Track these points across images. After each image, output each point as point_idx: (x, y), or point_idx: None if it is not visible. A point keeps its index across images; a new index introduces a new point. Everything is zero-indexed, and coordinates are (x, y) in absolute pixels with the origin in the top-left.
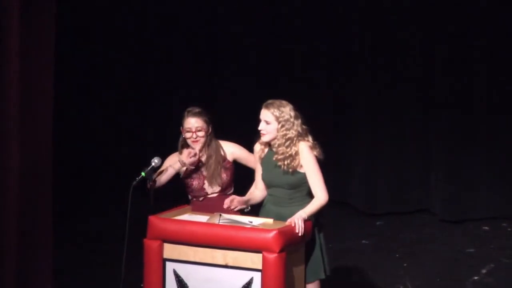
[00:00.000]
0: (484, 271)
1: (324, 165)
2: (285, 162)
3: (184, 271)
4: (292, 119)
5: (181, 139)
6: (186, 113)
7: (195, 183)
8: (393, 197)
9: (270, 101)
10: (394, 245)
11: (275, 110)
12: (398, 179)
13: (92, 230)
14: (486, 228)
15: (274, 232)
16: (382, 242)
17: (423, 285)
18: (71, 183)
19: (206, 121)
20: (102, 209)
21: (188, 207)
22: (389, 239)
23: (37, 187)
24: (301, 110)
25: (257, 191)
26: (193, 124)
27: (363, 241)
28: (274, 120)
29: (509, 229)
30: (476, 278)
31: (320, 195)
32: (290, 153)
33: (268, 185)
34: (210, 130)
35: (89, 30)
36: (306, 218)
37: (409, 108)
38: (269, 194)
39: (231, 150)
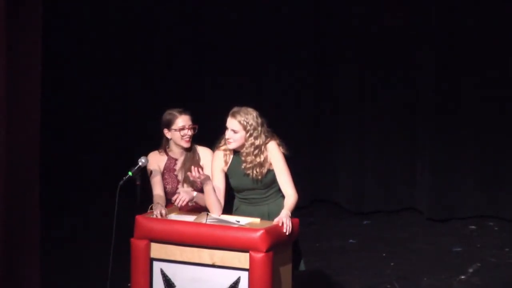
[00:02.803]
0: (470, 270)
1: (311, 164)
2: (254, 171)
3: (171, 270)
4: (259, 127)
5: (164, 141)
6: (176, 112)
7: (168, 186)
8: (380, 196)
9: (236, 109)
10: (381, 244)
11: (242, 119)
12: (385, 178)
13: (79, 229)
14: (473, 227)
15: (261, 232)
16: (369, 241)
17: (410, 284)
18: (57, 181)
19: (194, 120)
20: (89, 208)
21: (175, 206)
22: (376, 238)
23: (24, 185)
24: (288, 109)
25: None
26: (187, 122)
27: (350, 240)
28: (242, 129)
29: (495, 228)
30: (463, 277)
31: (292, 193)
32: (259, 161)
33: (240, 190)
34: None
35: (76, 24)
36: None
37: (396, 108)
38: (241, 198)
39: (205, 156)
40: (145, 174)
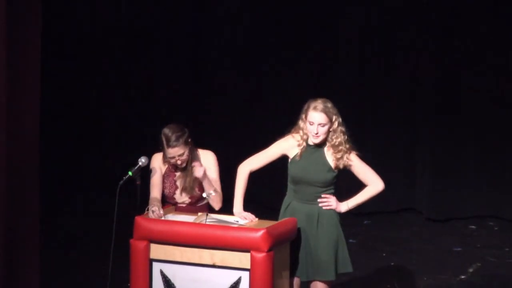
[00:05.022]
0: (471, 270)
1: None
2: (343, 160)
3: (171, 271)
4: (338, 114)
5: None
6: (165, 141)
7: (166, 191)
8: (380, 196)
9: (319, 103)
10: (381, 244)
11: (328, 111)
12: (385, 178)
13: (78, 230)
14: (473, 227)
15: (262, 231)
16: (369, 241)
17: (410, 284)
18: (57, 182)
19: (185, 143)
20: (88, 209)
21: (172, 207)
22: (376, 238)
23: (24, 185)
24: (288, 109)
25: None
26: (175, 153)
27: (350, 240)
28: (328, 121)
29: (495, 228)
30: (463, 277)
31: (378, 182)
32: (347, 147)
33: (299, 181)
34: (190, 146)
35: (76, 24)
36: (347, 210)
37: (396, 108)
38: (294, 191)
39: (205, 159)
40: (145, 174)
